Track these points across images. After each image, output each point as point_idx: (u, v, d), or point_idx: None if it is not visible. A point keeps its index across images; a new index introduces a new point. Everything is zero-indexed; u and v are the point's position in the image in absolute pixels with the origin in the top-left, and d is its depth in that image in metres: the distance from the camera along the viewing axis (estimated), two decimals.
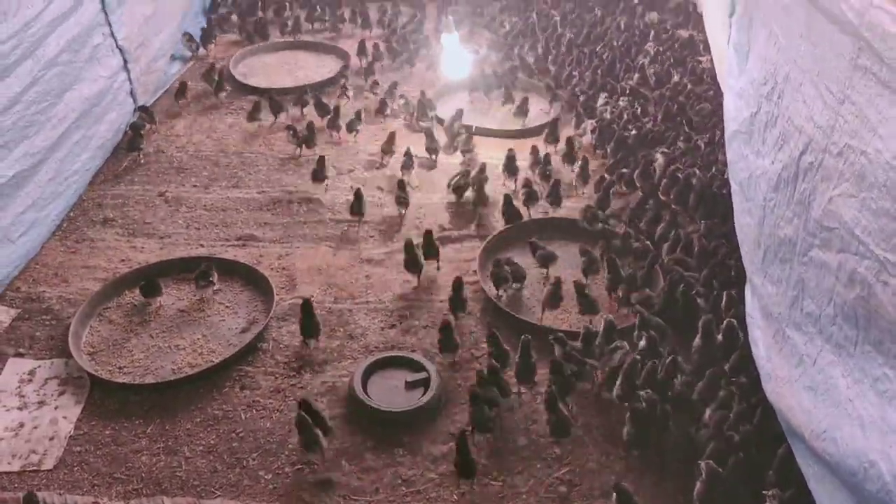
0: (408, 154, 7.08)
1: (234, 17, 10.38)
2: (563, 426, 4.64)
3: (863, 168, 3.06)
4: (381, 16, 10.39)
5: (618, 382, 4.77)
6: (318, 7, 10.47)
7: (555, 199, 6.58)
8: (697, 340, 5.06)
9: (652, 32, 9.63)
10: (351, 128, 7.67)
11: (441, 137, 7.56)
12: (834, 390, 3.41)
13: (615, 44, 9.29)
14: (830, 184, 3.38)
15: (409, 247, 5.82)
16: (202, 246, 6.33)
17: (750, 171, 4.57)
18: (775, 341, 4.23)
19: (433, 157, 7.46)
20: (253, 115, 7.96)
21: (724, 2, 5.49)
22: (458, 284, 5.51)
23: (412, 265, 5.84)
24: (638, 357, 4.85)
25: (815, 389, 3.61)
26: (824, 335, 3.60)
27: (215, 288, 5.79)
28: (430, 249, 5.98)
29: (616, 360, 4.92)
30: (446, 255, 6.18)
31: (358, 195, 6.46)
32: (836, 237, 3.33)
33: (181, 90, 8.36)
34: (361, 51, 9.13)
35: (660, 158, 6.80)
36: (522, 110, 8.06)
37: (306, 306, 5.29)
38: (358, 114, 7.76)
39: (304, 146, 7.47)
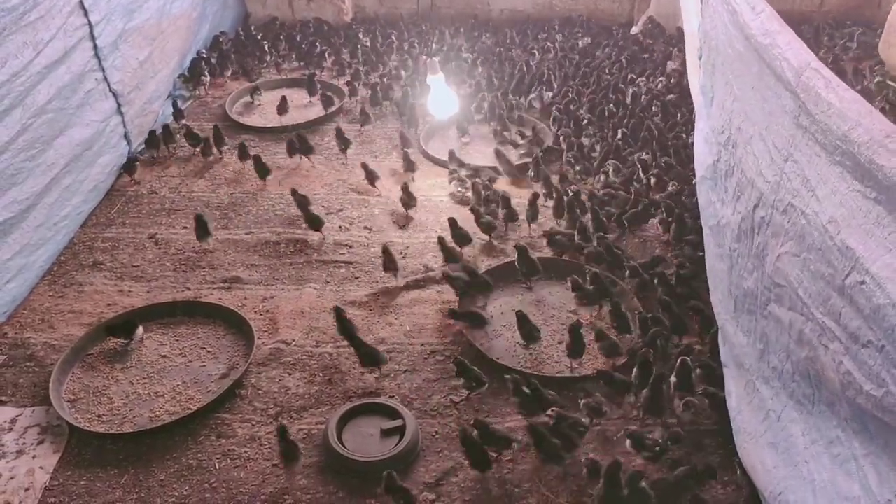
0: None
1: (233, 56, 10.56)
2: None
3: (803, 229, 3.05)
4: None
5: None
6: (317, 44, 10.67)
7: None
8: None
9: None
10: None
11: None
12: (793, 449, 3.39)
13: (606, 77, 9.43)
14: (778, 241, 3.37)
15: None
16: (188, 289, 6.38)
17: (717, 217, 4.56)
18: (746, 393, 4.20)
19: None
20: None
21: (695, 44, 5.51)
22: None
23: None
24: None
25: (777, 447, 3.59)
26: (787, 391, 3.58)
27: (137, 340, 5.80)
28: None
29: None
30: (429, 296, 6.21)
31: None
32: (786, 295, 3.31)
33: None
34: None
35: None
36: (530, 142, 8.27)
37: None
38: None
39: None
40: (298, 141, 8.13)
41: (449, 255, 6.40)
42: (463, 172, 7.67)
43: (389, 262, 6.35)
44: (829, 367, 2.89)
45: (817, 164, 2.93)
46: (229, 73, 10.19)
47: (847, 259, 2.63)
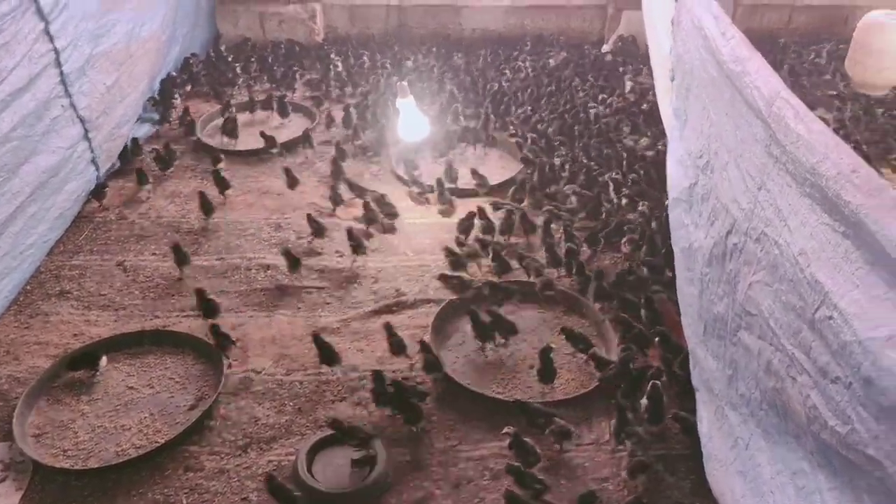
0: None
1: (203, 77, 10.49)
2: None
3: (775, 259, 3.03)
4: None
5: None
6: (291, 66, 10.66)
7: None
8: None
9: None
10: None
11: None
12: (759, 479, 3.36)
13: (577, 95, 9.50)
14: (750, 269, 3.35)
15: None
16: (157, 317, 6.27)
17: (689, 241, 4.54)
18: (716, 418, 4.17)
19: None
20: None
21: (667, 66, 5.51)
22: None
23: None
24: None
25: (746, 475, 3.56)
26: (755, 419, 3.55)
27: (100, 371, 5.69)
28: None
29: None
30: (400, 321, 6.14)
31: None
32: (756, 323, 3.29)
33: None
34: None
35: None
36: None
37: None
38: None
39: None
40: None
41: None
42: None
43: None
44: (795, 400, 2.86)
45: (788, 194, 2.91)
46: (188, 89, 10.17)
47: (816, 293, 2.61)
